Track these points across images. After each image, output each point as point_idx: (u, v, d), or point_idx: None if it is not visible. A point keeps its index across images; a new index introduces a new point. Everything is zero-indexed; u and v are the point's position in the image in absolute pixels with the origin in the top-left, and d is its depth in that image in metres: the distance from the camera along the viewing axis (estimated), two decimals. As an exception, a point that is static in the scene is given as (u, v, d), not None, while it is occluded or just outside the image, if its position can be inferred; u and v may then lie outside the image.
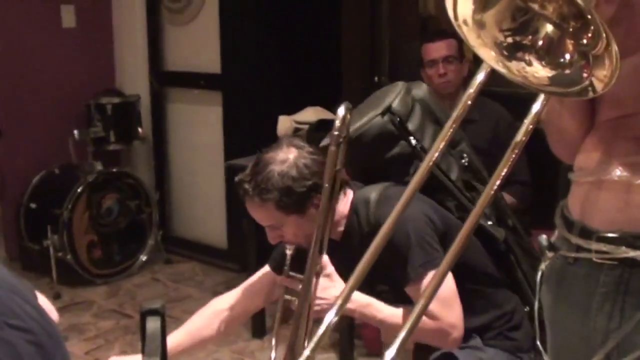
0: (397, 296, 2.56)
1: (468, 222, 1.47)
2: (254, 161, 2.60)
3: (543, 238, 2.15)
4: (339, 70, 5.62)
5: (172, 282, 5.89)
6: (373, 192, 2.65)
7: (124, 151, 6.53)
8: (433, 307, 2.41)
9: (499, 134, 4.20)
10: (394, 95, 2.78)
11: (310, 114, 4.84)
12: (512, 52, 1.30)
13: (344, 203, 2.66)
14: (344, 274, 2.45)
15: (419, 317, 1.42)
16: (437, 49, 4.30)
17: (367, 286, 2.43)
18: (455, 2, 1.30)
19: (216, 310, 2.90)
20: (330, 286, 2.47)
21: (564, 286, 1.99)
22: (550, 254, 2.04)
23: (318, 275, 2.40)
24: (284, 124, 4.84)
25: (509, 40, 1.29)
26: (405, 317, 2.48)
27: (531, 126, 1.47)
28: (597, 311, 1.89)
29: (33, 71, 6.08)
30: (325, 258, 2.45)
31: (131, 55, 6.52)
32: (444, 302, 2.46)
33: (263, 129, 5.16)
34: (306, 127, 4.72)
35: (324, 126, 4.62)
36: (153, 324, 1.68)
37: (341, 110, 2.26)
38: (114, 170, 5.93)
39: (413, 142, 2.74)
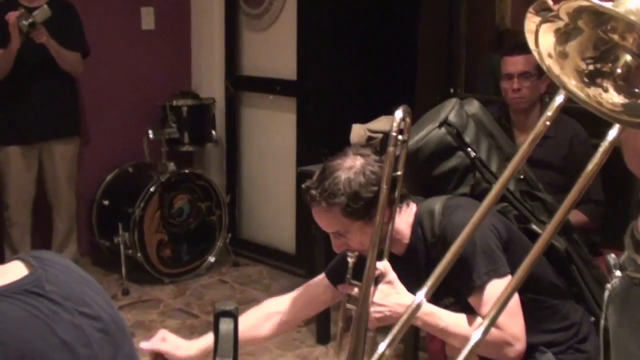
0: (463, 308, 2.54)
1: (540, 241, 1.46)
2: (320, 169, 2.60)
3: (611, 257, 2.13)
4: (414, 80, 5.61)
5: (239, 284, 5.93)
6: (437, 203, 2.64)
7: (197, 153, 6.60)
8: None
9: (574, 151, 4.15)
10: (449, 109, 2.84)
11: (384, 123, 4.83)
12: (591, 78, 1.32)
13: (407, 215, 2.66)
14: (410, 286, 2.45)
15: (487, 331, 1.42)
16: (514, 63, 4.25)
17: (433, 299, 2.41)
18: (537, 37, 1.32)
19: (269, 313, 2.89)
20: (392, 293, 2.46)
21: (628, 307, 1.97)
22: (617, 274, 2.03)
23: (377, 282, 2.44)
24: (358, 132, 4.83)
25: (590, 67, 1.32)
26: (470, 324, 2.48)
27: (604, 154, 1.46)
28: (659, 334, 1.87)
29: (111, 71, 6.19)
30: (387, 264, 2.47)
31: (208, 58, 6.59)
32: (508, 312, 2.41)
33: (336, 136, 5.16)
34: (380, 135, 4.71)
35: (398, 136, 4.62)
36: (227, 325, 1.71)
37: (399, 113, 2.31)
38: (187, 171, 5.99)
39: (472, 153, 2.78)
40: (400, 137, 2.41)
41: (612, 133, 1.44)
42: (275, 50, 6.15)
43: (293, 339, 4.97)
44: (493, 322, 1.45)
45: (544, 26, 1.32)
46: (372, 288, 2.41)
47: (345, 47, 5.98)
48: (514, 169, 1.55)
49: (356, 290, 2.49)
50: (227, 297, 5.61)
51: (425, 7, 5.58)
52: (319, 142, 5.85)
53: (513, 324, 2.45)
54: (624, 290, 1.99)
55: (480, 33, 6.00)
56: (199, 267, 6.05)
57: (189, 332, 5.06)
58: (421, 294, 1.59)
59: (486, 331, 1.42)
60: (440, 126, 2.78)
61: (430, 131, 2.78)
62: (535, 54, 1.35)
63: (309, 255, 5.53)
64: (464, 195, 2.73)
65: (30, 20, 5.02)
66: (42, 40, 5.11)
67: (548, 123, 1.48)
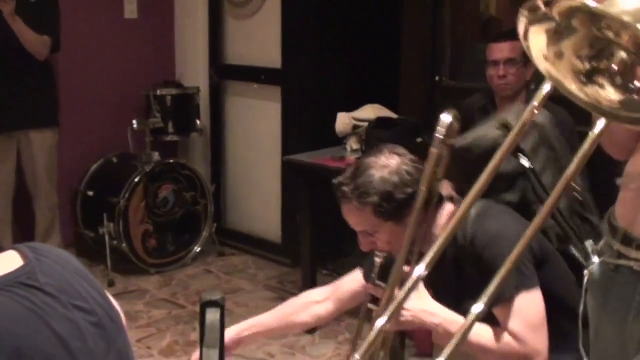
0: (485, 316, 2.49)
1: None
2: (354, 165, 2.54)
3: (589, 243, 2.13)
4: (399, 68, 5.60)
5: (224, 274, 5.92)
6: (473, 207, 2.56)
7: (181, 142, 6.58)
8: (520, 329, 2.34)
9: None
10: (513, 114, 2.69)
11: (369, 112, 4.83)
12: (588, 76, 1.31)
13: (444, 217, 2.56)
14: (436, 286, 2.41)
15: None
16: (500, 50, 4.25)
17: (454, 302, 2.38)
18: (526, 37, 1.31)
19: (307, 302, 2.89)
20: (414, 297, 2.39)
21: (604, 292, 1.99)
22: (594, 260, 2.03)
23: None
24: (343, 120, 4.83)
25: (587, 65, 1.31)
26: (492, 336, 2.39)
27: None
28: (634, 319, 1.87)
29: (94, 61, 6.15)
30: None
31: (192, 47, 6.56)
32: (532, 326, 2.36)
33: (321, 125, 5.17)
34: (365, 124, 4.71)
35: (383, 124, 4.61)
36: (213, 315, 1.70)
37: (446, 117, 2.14)
38: (171, 161, 5.98)
39: (525, 162, 2.65)
40: (444, 139, 2.19)
41: (600, 125, 1.43)
42: (259, 38, 6.13)
43: (316, 325, 4.95)
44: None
45: (534, 27, 1.31)
46: (397, 291, 2.27)
47: (330, 35, 5.97)
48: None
49: (379, 291, 2.42)
50: (212, 287, 5.60)
51: (410, -4, 5.57)
52: (304, 130, 5.85)
53: (536, 338, 2.37)
54: (601, 276, 1.99)
55: (465, 21, 6.00)
56: (184, 257, 6.03)
57: (175, 322, 5.06)
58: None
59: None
60: (498, 127, 2.63)
61: (485, 130, 2.65)
62: (531, 57, 1.34)
63: (295, 244, 5.53)
64: (510, 203, 2.60)
65: None
66: (5, 9, 4.98)
67: (536, 112, 1.46)
